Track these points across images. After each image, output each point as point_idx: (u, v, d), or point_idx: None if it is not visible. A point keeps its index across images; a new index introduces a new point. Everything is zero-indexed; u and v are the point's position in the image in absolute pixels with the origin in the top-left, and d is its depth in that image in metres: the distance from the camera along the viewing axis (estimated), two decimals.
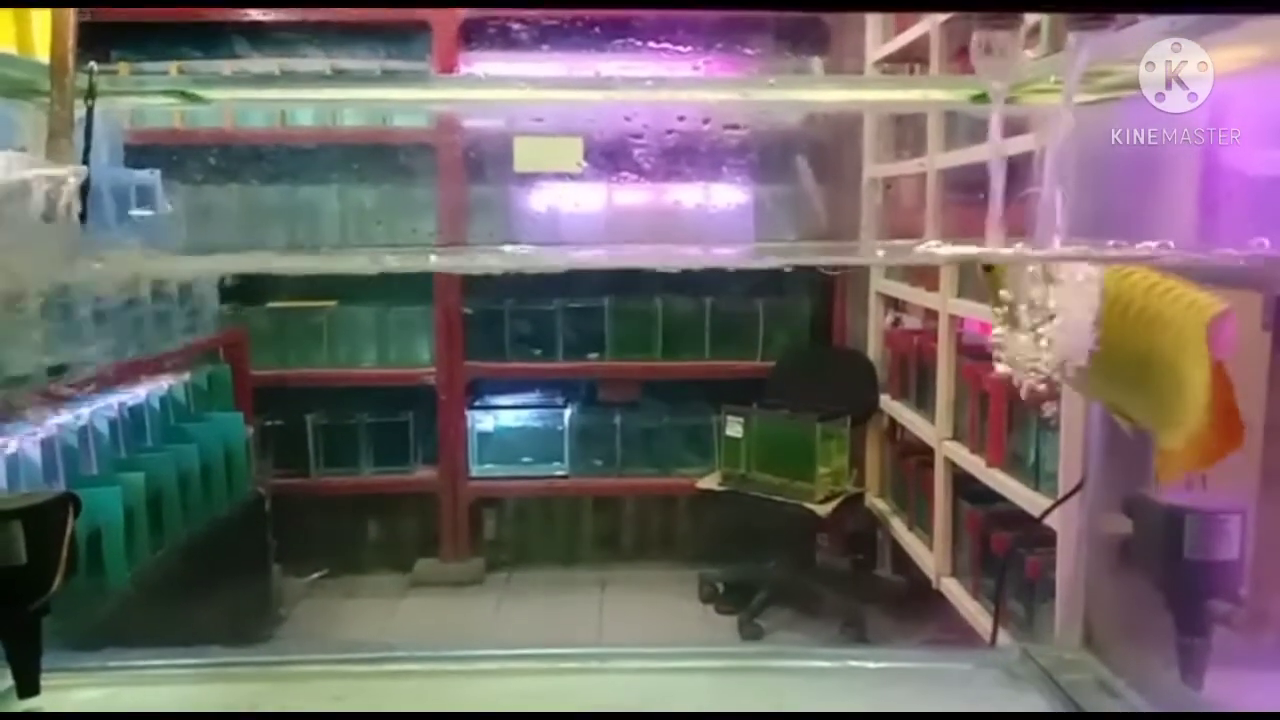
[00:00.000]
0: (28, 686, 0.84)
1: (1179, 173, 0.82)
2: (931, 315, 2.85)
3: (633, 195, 3.26)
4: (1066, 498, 1.65)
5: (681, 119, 2.96)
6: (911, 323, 3.15)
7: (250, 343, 3.20)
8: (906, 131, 2.96)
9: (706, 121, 2.77)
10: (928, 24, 2.61)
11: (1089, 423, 1.00)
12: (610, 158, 3.02)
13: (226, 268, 0.73)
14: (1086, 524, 0.96)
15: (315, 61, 3.17)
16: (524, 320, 3.40)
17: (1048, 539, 1.97)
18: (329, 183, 3.32)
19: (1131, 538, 0.89)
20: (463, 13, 3.19)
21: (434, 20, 3.19)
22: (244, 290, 3.26)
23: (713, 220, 3.30)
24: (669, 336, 3.43)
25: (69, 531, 0.86)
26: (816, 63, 3.43)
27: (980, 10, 0.77)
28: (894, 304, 3.23)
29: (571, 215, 3.33)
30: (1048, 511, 1.25)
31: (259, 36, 3.24)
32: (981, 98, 0.99)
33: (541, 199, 3.37)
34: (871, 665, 0.95)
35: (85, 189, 0.75)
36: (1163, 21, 0.70)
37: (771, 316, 3.41)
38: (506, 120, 3.23)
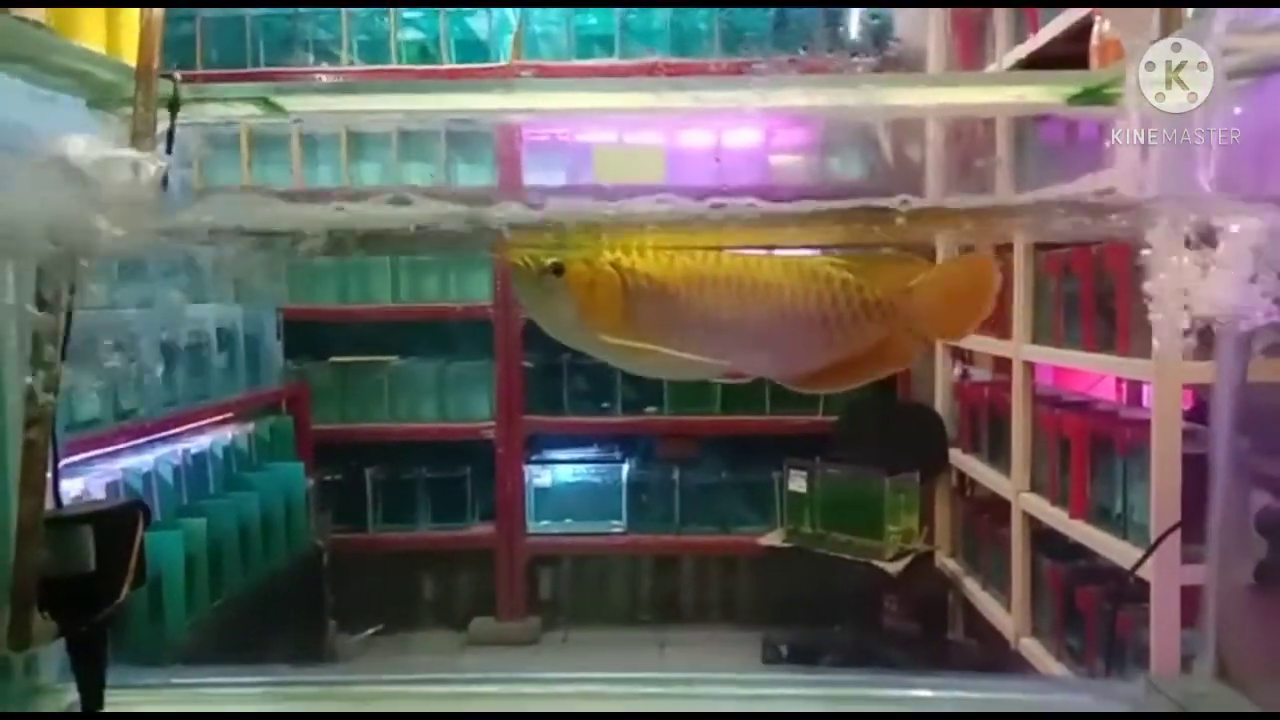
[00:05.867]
0: (92, 700, 0.81)
1: None
2: (1001, 366, 2.76)
3: None
4: (1168, 533, 1.56)
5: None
6: (979, 375, 3.07)
7: (312, 396, 3.22)
8: (972, 179, 2.91)
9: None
10: None
11: (1214, 435, 0.93)
12: None
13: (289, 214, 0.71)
14: (1217, 549, 0.88)
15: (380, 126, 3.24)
16: (583, 374, 3.38)
17: (1138, 595, 1.86)
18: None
19: (1269, 558, 0.81)
20: (526, 73, 3.25)
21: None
22: (308, 344, 3.30)
23: None
24: (728, 391, 3.37)
25: (138, 540, 0.84)
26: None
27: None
28: (960, 356, 3.15)
29: None
30: (1166, 534, 1.17)
31: None
32: (1082, 96, 0.95)
33: None
34: (978, 696, 0.87)
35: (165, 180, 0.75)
36: None
37: None
38: (568, 174, 3.26)
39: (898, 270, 0.94)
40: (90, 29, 0.84)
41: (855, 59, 3.24)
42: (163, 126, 0.93)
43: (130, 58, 0.89)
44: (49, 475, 0.82)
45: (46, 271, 0.69)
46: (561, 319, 0.89)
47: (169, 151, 0.91)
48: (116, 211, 0.61)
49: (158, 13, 0.85)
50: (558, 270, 0.87)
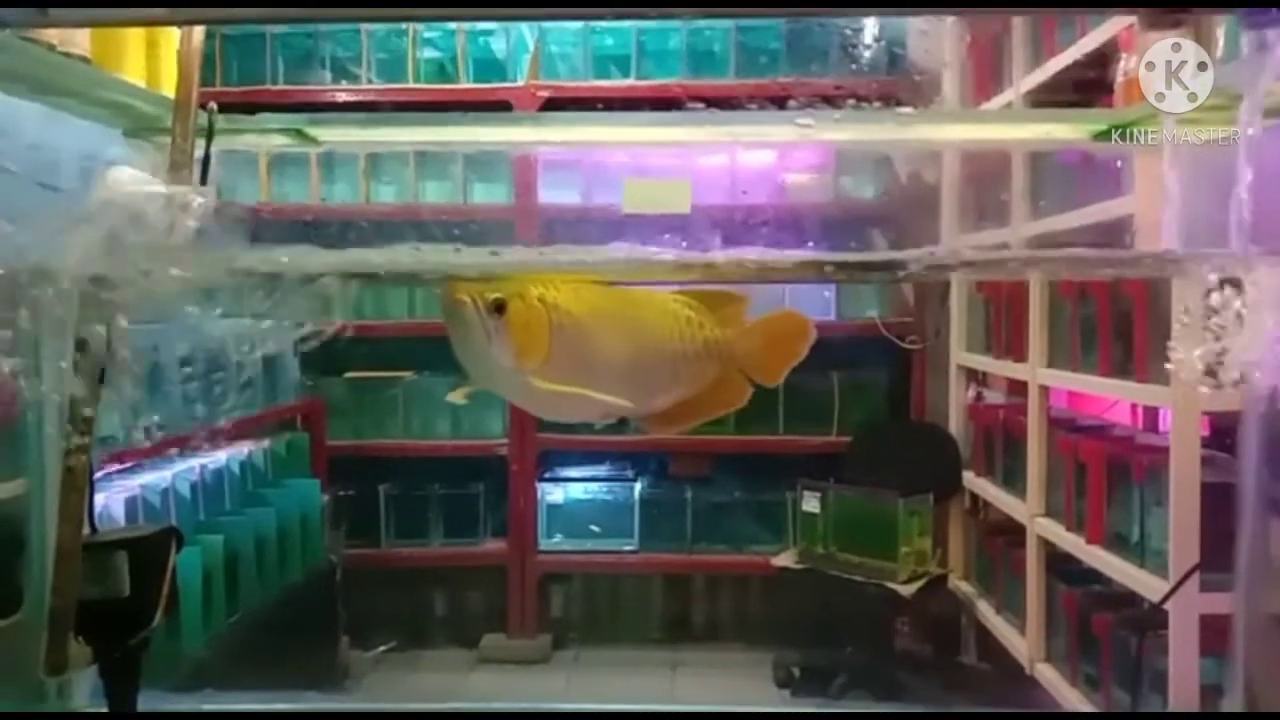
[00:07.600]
0: None
1: None
2: (1016, 388, 2.76)
3: None
4: (1190, 573, 1.55)
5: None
6: (993, 397, 3.06)
7: (328, 412, 3.23)
8: (988, 201, 2.92)
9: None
10: None
11: (1242, 467, 0.93)
12: (685, 234, 3.03)
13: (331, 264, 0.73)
14: (1244, 586, 0.88)
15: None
16: None
17: (1155, 622, 1.85)
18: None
19: None
20: (543, 93, 3.27)
21: (515, 99, 3.27)
22: (323, 360, 3.30)
23: (791, 294, 3.28)
24: (741, 410, 3.35)
25: (171, 565, 0.85)
26: None
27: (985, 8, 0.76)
28: (975, 378, 3.14)
29: None
30: (1189, 574, 1.17)
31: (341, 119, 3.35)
32: (1107, 133, 0.95)
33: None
34: None
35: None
36: None
37: (847, 391, 3.34)
38: (582, 194, 3.28)
39: (726, 307, 0.97)
40: (132, 62, 0.86)
41: (869, 77, 3.25)
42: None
43: (169, 89, 0.91)
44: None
45: (87, 308, 0.70)
46: (499, 361, 0.86)
47: (204, 181, 0.92)
48: (164, 252, 0.62)
49: (196, 47, 0.86)
50: (499, 308, 0.85)
